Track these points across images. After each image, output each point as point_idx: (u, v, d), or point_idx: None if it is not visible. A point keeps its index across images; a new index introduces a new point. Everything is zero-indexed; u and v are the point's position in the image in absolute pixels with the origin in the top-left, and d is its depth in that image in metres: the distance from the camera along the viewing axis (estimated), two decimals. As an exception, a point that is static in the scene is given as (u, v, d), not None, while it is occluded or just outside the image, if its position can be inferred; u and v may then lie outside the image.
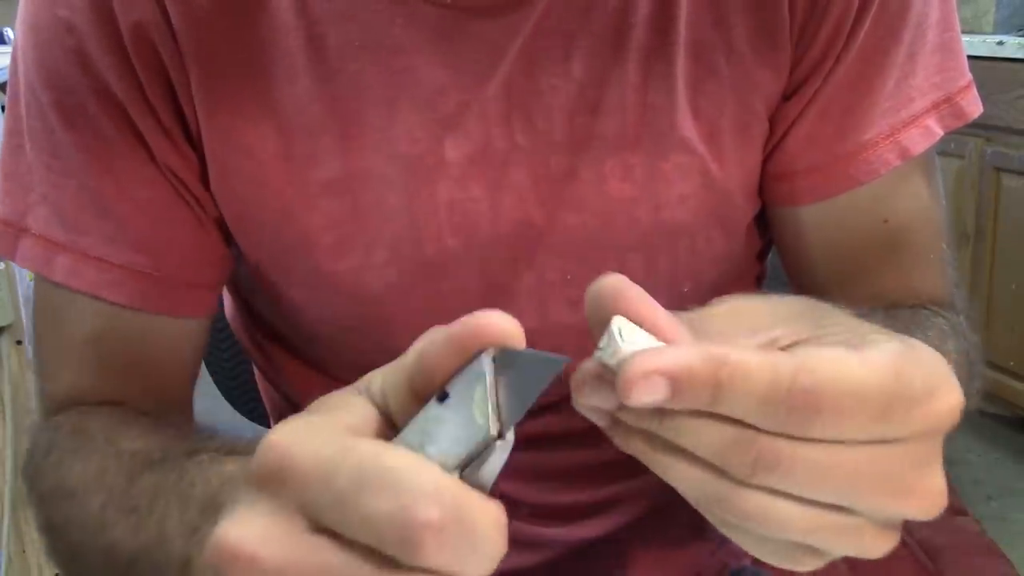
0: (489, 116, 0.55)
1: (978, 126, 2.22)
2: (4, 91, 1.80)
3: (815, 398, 0.30)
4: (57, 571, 1.55)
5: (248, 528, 0.29)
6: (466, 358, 0.30)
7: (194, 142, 0.56)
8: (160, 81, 0.54)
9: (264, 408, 0.78)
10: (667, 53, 0.55)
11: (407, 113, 0.55)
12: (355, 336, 0.60)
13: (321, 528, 0.28)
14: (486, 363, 0.30)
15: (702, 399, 0.30)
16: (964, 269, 2.49)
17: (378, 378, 0.33)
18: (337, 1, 0.54)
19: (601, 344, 0.31)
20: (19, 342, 1.50)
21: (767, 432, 0.30)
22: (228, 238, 0.59)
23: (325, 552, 0.28)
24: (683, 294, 0.60)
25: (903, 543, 0.34)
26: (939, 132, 0.59)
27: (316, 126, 0.55)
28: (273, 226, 0.57)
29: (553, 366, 0.30)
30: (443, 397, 0.30)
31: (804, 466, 0.30)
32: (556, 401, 0.62)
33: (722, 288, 0.62)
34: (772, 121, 0.59)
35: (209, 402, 0.69)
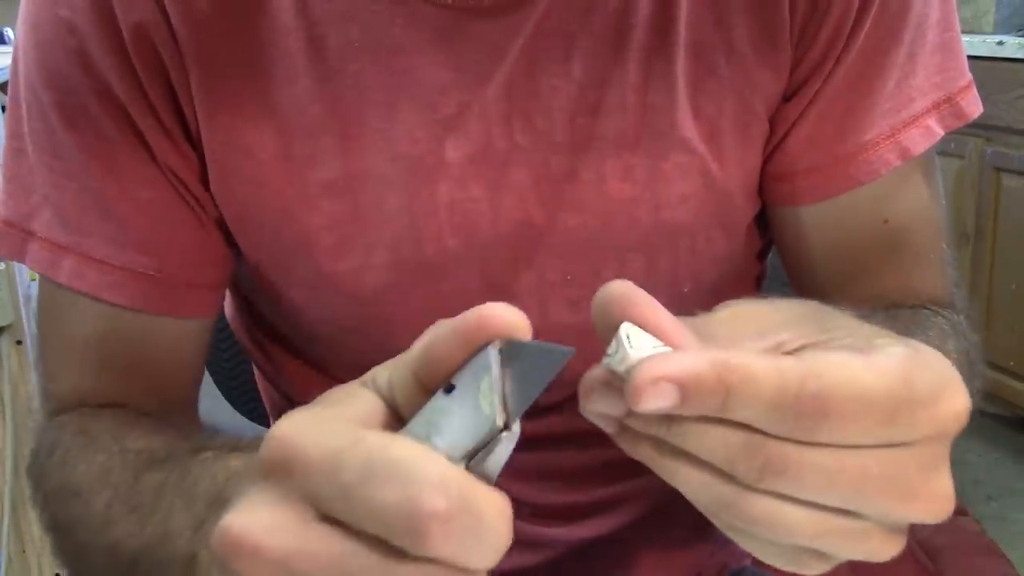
0: (489, 116, 0.55)
1: (978, 126, 2.22)
2: (4, 91, 1.80)
3: (823, 403, 0.30)
4: (58, 572, 1.55)
5: (254, 518, 0.29)
6: (472, 350, 0.30)
7: (194, 142, 0.56)
8: (161, 81, 0.54)
9: (264, 408, 0.78)
10: (667, 53, 0.55)
11: (407, 113, 0.55)
12: (355, 336, 0.60)
13: (327, 518, 0.28)
14: (492, 355, 0.30)
15: (711, 405, 0.30)
16: (964, 269, 2.49)
17: (384, 371, 0.33)
18: (337, 2, 0.54)
19: (609, 351, 0.31)
20: (19, 342, 1.50)
21: (775, 437, 0.30)
22: (229, 238, 0.59)
23: (331, 542, 0.28)
24: (683, 294, 0.60)
25: (902, 543, 0.34)
26: (939, 132, 0.59)
27: (316, 127, 0.55)
28: (273, 226, 0.57)
29: (559, 357, 0.30)
30: (449, 389, 0.30)
31: (812, 470, 0.30)
32: (559, 402, 0.62)
33: (722, 288, 0.62)
34: (772, 122, 0.59)
35: (209, 402, 0.69)
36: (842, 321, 0.35)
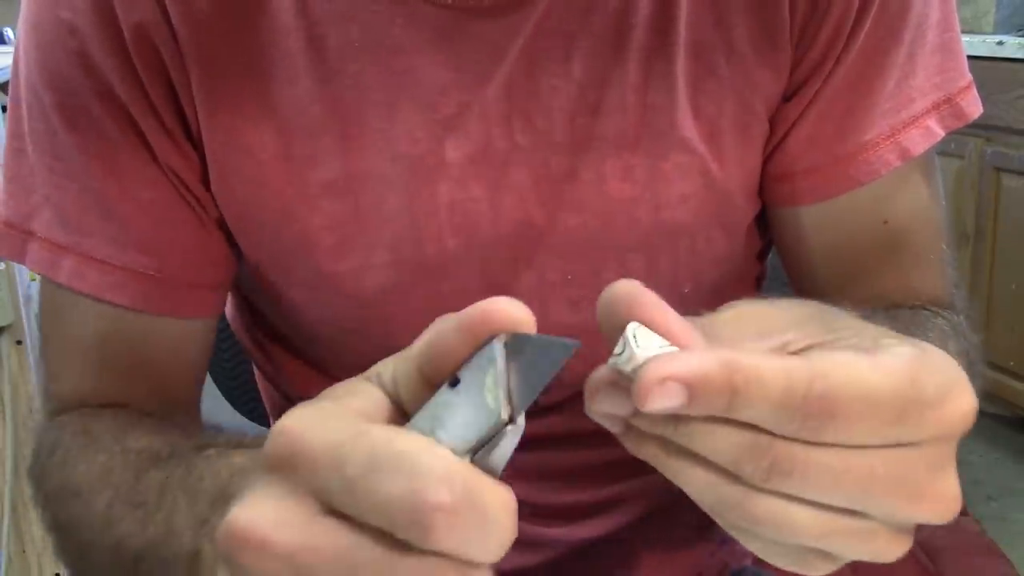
0: (490, 116, 0.55)
1: (978, 126, 2.22)
2: (4, 91, 1.80)
3: (830, 403, 0.30)
4: (58, 572, 1.55)
5: (259, 512, 0.29)
6: (476, 345, 0.30)
7: (195, 142, 0.56)
8: (162, 82, 0.54)
9: (264, 408, 0.78)
10: (667, 53, 0.55)
11: (408, 114, 0.55)
12: (355, 337, 0.60)
13: (333, 512, 0.28)
14: (497, 349, 0.30)
15: (718, 405, 0.30)
16: (964, 269, 2.49)
17: (388, 366, 0.33)
18: (337, 2, 0.54)
19: (616, 350, 0.31)
20: (19, 342, 1.50)
21: (782, 437, 0.30)
22: (230, 238, 0.59)
23: (337, 536, 0.28)
24: (684, 294, 0.60)
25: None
26: (939, 133, 0.59)
27: (316, 127, 0.55)
28: (273, 227, 0.57)
29: (564, 350, 0.30)
30: (454, 383, 0.30)
31: (818, 471, 0.30)
32: (559, 402, 0.62)
33: (723, 289, 0.62)
34: (772, 122, 0.59)
35: (209, 402, 0.69)
36: (847, 321, 0.35)
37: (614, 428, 0.33)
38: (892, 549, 0.33)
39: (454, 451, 0.29)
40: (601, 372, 0.32)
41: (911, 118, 0.59)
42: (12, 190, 0.59)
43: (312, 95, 0.54)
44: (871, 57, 0.57)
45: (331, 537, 0.28)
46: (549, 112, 0.55)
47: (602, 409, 0.32)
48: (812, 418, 0.30)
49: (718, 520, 0.33)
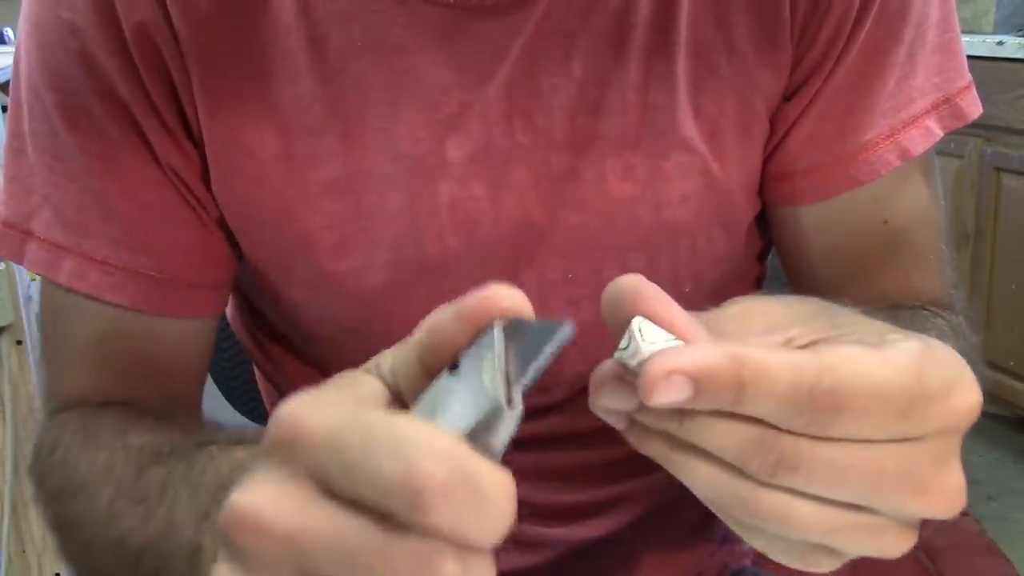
0: (491, 116, 0.55)
1: (978, 126, 2.22)
2: (4, 91, 1.80)
3: (838, 398, 0.30)
4: (58, 572, 1.55)
5: (259, 495, 0.29)
6: (474, 333, 0.30)
7: (196, 142, 0.56)
8: (163, 81, 0.54)
9: (264, 408, 0.78)
10: (668, 53, 0.55)
11: (409, 113, 0.55)
12: (356, 336, 0.60)
13: (332, 495, 0.28)
14: (496, 333, 0.30)
15: (724, 399, 0.30)
16: (964, 269, 2.49)
17: (387, 357, 0.33)
18: (339, 1, 0.54)
19: (621, 344, 0.31)
20: (19, 342, 1.50)
21: (788, 432, 0.30)
22: (231, 238, 0.59)
23: (335, 518, 0.28)
24: (684, 294, 0.60)
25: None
26: (939, 133, 0.59)
27: (318, 126, 0.55)
28: (274, 226, 0.57)
29: (561, 333, 0.30)
30: (454, 368, 0.30)
31: (825, 465, 0.30)
32: (559, 402, 0.62)
33: (723, 288, 0.62)
34: (773, 121, 0.59)
35: (209, 402, 0.69)
36: (851, 317, 0.35)
37: (618, 424, 0.33)
38: (898, 544, 0.33)
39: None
40: (606, 367, 0.32)
41: (911, 118, 0.59)
42: (12, 190, 0.59)
43: (313, 94, 0.55)
44: (871, 56, 0.57)
45: (329, 520, 0.28)
46: (550, 111, 0.55)
47: (607, 404, 0.32)
48: (820, 412, 0.30)
49: (722, 517, 0.33)
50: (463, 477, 0.27)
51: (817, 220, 0.61)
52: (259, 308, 0.67)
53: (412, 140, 0.55)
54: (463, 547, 0.27)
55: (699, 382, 0.29)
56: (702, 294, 0.61)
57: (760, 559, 0.79)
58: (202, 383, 0.65)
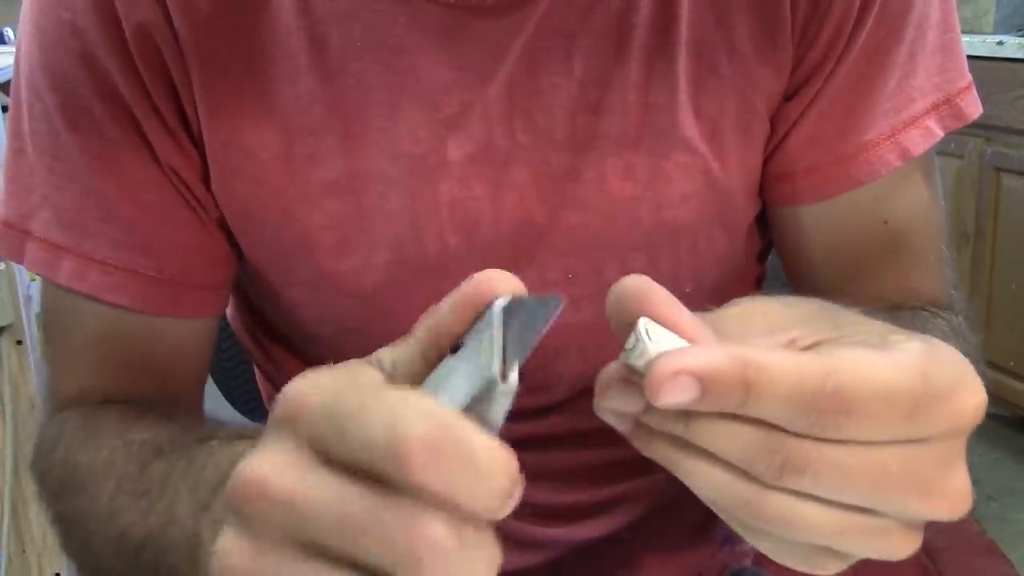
0: (491, 115, 0.55)
1: (978, 126, 2.22)
2: (4, 91, 1.79)
3: (845, 400, 0.30)
4: (58, 572, 1.55)
5: (264, 464, 0.30)
6: (472, 319, 0.31)
7: (196, 142, 0.56)
8: (163, 81, 0.54)
9: (264, 408, 0.78)
10: (669, 52, 0.55)
11: (410, 113, 0.55)
12: (356, 336, 0.60)
13: (332, 463, 0.29)
14: (495, 312, 0.31)
15: (731, 401, 0.30)
16: (964, 269, 2.49)
17: (388, 352, 0.34)
18: (339, 1, 0.54)
19: (628, 345, 0.31)
20: (19, 342, 1.50)
21: (794, 434, 0.30)
22: (231, 238, 0.59)
23: (332, 484, 0.28)
24: (685, 294, 0.60)
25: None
26: (939, 133, 0.59)
27: (318, 126, 0.55)
28: (274, 226, 0.57)
29: (553, 306, 0.30)
30: (455, 350, 0.31)
31: (831, 468, 0.30)
32: (559, 402, 0.62)
33: (724, 289, 0.62)
34: (773, 121, 0.59)
35: (209, 402, 0.70)
36: (853, 318, 0.35)
37: (623, 427, 0.33)
38: (903, 546, 0.33)
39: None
40: (611, 369, 0.32)
41: (911, 118, 0.59)
42: (12, 190, 0.59)
43: (314, 94, 0.55)
44: (872, 56, 0.57)
45: (326, 485, 0.28)
46: (550, 111, 0.55)
47: (612, 406, 0.32)
48: (826, 414, 0.30)
49: (727, 519, 0.33)
50: (447, 436, 0.27)
51: (817, 220, 0.61)
52: (259, 308, 0.67)
53: (413, 140, 0.55)
54: (456, 514, 0.27)
55: (706, 382, 0.29)
56: (702, 294, 0.60)
57: (760, 559, 0.79)
58: (203, 381, 0.65)
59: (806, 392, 0.30)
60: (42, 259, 0.58)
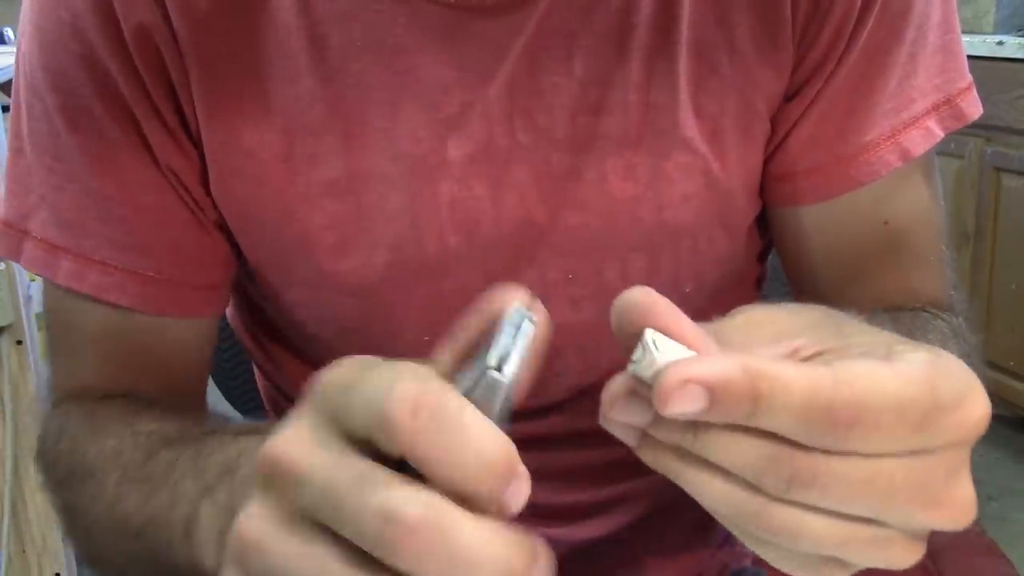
0: (492, 115, 0.55)
1: (978, 126, 2.22)
2: (3, 91, 1.79)
3: (854, 412, 0.29)
4: (58, 572, 1.55)
5: (283, 435, 0.30)
6: (486, 329, 0.32)
7: (196, 143, 0.56)
8: (163, 82, 0.54)
9: (264, 408, 0.78)
10: (670, 52, 0.55)
11: (410, 113, 0.55)
12: (356, 336, 0.60)
13: (347, 437, 0.30)
14: (506, 316, 0.31)
15: (740, 411, 0.29)
16: (964, 269, 2.49)
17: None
18: (340, 1, 0.54)
19: (635, 357, 0.31)
20: (19, 342, 1.50)
21: (802, 447, 0.30)
22: (231, 238, 0.59)
23: (332, 455, 0.29)
24: (685, 295, 0.60)
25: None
26: (939, 134, 0.59)
27: (318, 126, 0.55)
28: (274, 226, 0.57)
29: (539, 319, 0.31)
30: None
31: (838, 481, 0.30)
32: (559, 402, 0.62)
33: (724, 289, 0.62)
34: (774, 122, 0.59)
35: (209, 402, 0.70)
36: (856, 326, 0.35)
37: (630, 440, 0.33)
38: (907, 556, 0.33)
39: None
40: (618, 382, 0.32)
41: (912, 119, 0.59)
42: (12, 190, 0.59)
43: (314, 94, 0.55)
44: (873, 57, 0.57)
45: (327, 456, 0.29)
46: (551, 110, 0.55)
47: (619, 418, 0.32)
48: (837, 427, 0.29)
49: (732, 530, 0.33)
50: (433, 402, 0.28)
51: (817, 221, 0.61)
52: (259, 308, 0.67)
53: (413, 140, 0.55)
54: (451, 492, 0.28)
55: (715, 392, 0.29)
56: (703, 294, 0.61)
57: (760, 560, 0.79)
58: (205, 380, 0.65)
59: (817, 404, 0.29)
60: (39, 259, 0.58)
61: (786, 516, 0.31)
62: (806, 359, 0.33)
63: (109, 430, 0.56)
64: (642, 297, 0.32)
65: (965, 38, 0.62)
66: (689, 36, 0.55)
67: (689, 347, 0.31)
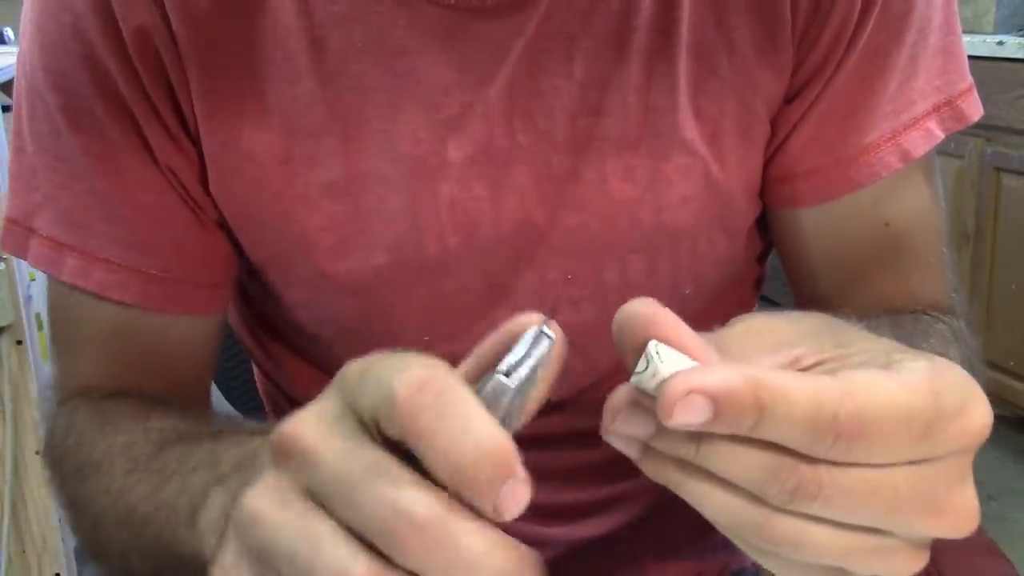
0: (492, 116, 0.55)
1: (978, 126, 2.21)
2: (3, 91, 1.79)
3: (859, 423, 0.29)
4: (58, 572, 1.55)
5: (303, 417, 0.31)
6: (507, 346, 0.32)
7: (195, 144, 0.56)
8: (162, 83, 0.54)
9: (264, 408, 0.78)
10: (669, 54, 0.55)
11: (410, 114, 0.55)
12: (356, 336, 0.60)
13: (365, 424, 0.30)
14: (530, 329, 0.32)
15: (744, 423, 0.29)
16: (964, 269, 2.49)
17: None
18: (340, 3, 0.54)
19: (638, 368, 0.31)
20: (19, 342, 1.50)
21: (806, 458, 0.30)
22: (232, 237, 0.60)
23: (347, 442, 0.30)
24: (684, 296, 0.60)
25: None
26: (940, 135, 0.59)
27: (318, 128, 0.55)
28: (273, 227, 0.57)
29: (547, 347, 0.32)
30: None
31: (842, 492, 0.30)
32: (559, 401, 0.62)
33: (723, 290, 0.62)
34: (774, 124, 0.59)
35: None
36: (856, 335, 0.35)
37: (632, 453, 0.33)
38: (910, 564, 0.32)
39: None
40: (620, 393, 0.32)
41: (912, 120, 0.59)
42: (16, 188, 0.59)
43: (314, 96, 0.55)
44: (873, 59, 0.57)
45: (341, 442, 0.30)
46: (551, 112, 0.55)
47: (622, 430, 0.32)
48: (841, 438, 0.29)
49: (735, 540, 0.33)
50: (434, 385, 0.28)
51: (817, 223, 0.61)
52: (259, 306, 0.67)
53: (413, 141, 0.55)
54: (440, 472, 0.28)
55: (718, 403, 0.29)
56: (702, 296, 0.60)
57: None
58: (209, 378, 0.66)
59: (821, 415, 0.29)
60: (46, 256, 0.58)
61: (789, 527, 0.31)
62: (806, 368, 0.33)
63: (120, 426, 0.56)
64: (643, 308, 0.32)
65: (965, 38, 0.62)
66: (689, 38, 0.55)
67: (692, 358, 0.31)
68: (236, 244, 0.60)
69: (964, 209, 2.48)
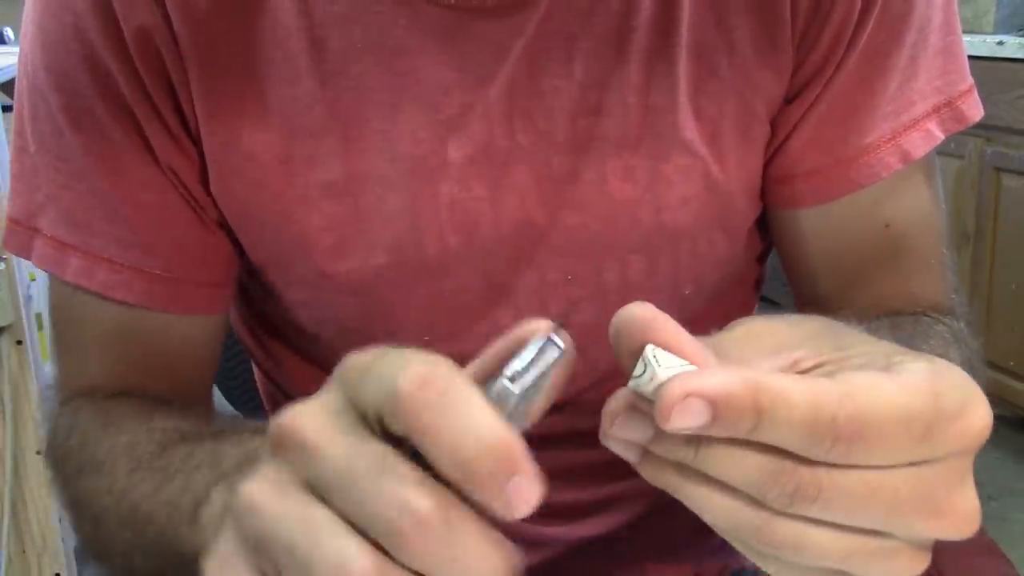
0: (492, 116, 0.55)
1: (978, 126, 2.20)
2: (3, 91, 1.79)
3: (859, 425, 0.29)
4: (58, 572, 1.55)
5: (303, 409, 0.31)
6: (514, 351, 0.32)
7: (196, 143, 0.56)
8: (163, 83, 0.55)
9: (264, 408, 0.78)
10: (669, 55, 0.55)
11: (410, 114, 0.55)
12: (357, 335, 0.60)
13: (367, 420, 0.30)
14: (538, 336, 0.32)
15: (743, 426, 0.29)
16: (964, 269, 2.49)
17: None
18: (340, 3, 0.54)
19: (635, 372, 0.31)
20: (19, 342, 1.50)
21: (806, 461, 0.30)
22: (233, 236, 0.60)
23: (351, 438, 0.29)
24: (684, 296, 0.60)
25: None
26: (940, 136, 0.59)
27: (318, 128, 0.55)
28: (273, 227, 0.57)
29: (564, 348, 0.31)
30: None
31: (842, 494, 0.30)
32: (559, 401, 0.62)
33: (723, 291, 0.62)
34: (774, 124, 0.59)
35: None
36: (856, 337, 0.35)
37: (631, 457, 0.33)
38: (911, 566, 0.32)
39: None
40: (618, 398, 0.32)
41: (912, 121, 0.59)
42: (18, 188, 0.59)
43: (314, 96, 0.55)
44: (873, 59, 0.57)
45: (344, 438, 0.29)
46: (551, 112, 0.55)
47: (620, 435, 0.32)
48: (840, 441, 0.29)
49: (734, 544, 0.33)
50: (438, 381, 0.28)
51: (817, 223, 0.61)
52: (259, 305, 0.67)
53: (413, 141, 0.55)
54: (442, 465, 0.28)
55: (717, 406, 0.29)
56: (702, 296, 0.60)
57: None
58: (211, 377, 0.66)
59: (820, 418, 0.29)
60: (50, 256, 0.58)
61: (789, 530, 0.31)
62: (806, 371, 0.33)
63: (123, 426, 0.56)
64: (641, 312, 0.32)
65: (965, 38, 0.62)
66: (689, 39, 0.55)
67: (689, 361, 0.31)
68: (237, 244, 0.60)
69: (964, 209, 2.48)
